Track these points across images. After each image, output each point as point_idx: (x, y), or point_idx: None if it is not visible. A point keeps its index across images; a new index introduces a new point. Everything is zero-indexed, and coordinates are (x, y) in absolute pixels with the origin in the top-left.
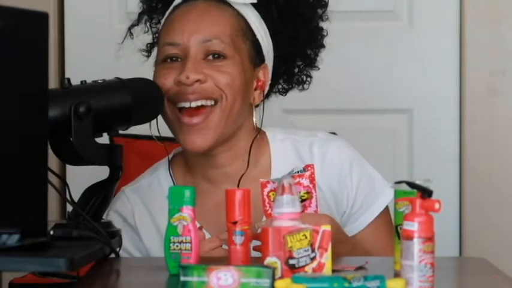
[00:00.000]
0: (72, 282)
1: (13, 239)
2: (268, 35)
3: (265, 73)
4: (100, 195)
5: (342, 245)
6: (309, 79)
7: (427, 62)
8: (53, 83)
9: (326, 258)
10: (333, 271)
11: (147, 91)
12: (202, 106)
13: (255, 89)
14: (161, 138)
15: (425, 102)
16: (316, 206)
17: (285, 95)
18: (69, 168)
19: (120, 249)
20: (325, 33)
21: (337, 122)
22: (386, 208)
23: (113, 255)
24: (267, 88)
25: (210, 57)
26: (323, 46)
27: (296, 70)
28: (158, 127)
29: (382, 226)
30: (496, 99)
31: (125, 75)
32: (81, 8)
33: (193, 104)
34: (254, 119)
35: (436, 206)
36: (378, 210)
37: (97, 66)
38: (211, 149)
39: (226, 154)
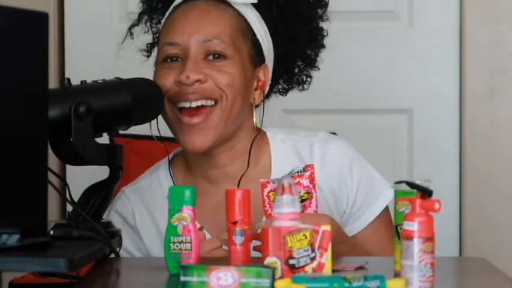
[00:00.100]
0: (72, 282)
1: (13, 239)
2: (269, 35)
3: (266, 73)
4: (100, 195)
5: (342, 245)
6: (309, 79)
7: (427, 62)
8: (53, 83)
9: (326, 258)
10: (333, 271)
11: (147, 91)
12: (202, 106)
13: (255, 89)
14: (161, 138)
15: (425, 102)
16: (316, 206)
17: (285, 95)
18: (69, 168)
19: (120, 249)
20: (325, 34)
21: (337, 122)
22: (387, 208)
23: (113, 255)
24: (267, 88)
25: (210, 57)
26: (323, 46)
27: (296, 70)
28: (158, 127)
29: (382, 226)
30: (496, 99)
31: (125, 75)
32: (81, 8)
33: (194, 104)
34: (254, 119)
35: (436, 206)
36: (378, 210)
37: (97, 66)
38: (211, 149)
39: (226, 154)
